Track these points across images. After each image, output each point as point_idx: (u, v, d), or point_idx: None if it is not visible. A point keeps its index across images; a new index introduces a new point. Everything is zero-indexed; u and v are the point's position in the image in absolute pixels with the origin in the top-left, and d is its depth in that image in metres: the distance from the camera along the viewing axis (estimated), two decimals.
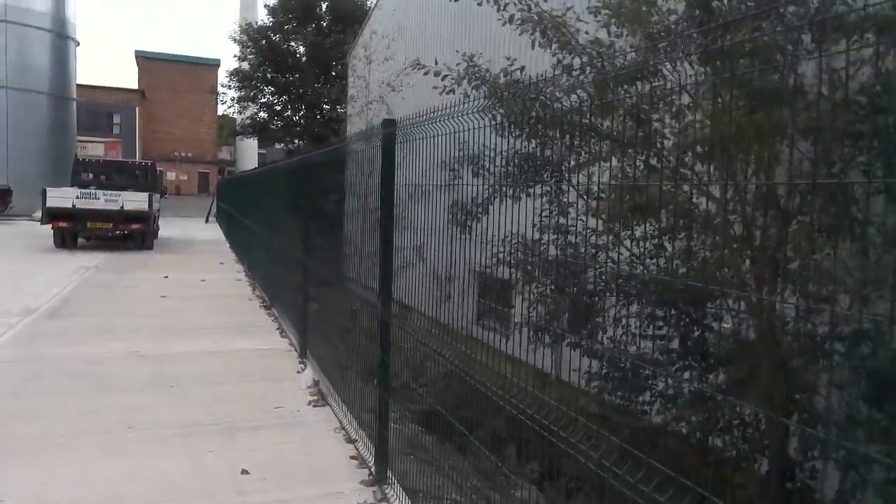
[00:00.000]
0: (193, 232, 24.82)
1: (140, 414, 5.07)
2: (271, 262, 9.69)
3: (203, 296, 10.81)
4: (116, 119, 53.91)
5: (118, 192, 16.82)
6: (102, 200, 16.52)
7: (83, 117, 51.45)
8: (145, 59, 57.02)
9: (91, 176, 19.53)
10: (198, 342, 7.52)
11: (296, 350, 7.21)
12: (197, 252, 18.17)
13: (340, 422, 5.00)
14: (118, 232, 17.01)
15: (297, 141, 39.79)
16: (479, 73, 6.39)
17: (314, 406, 5.41)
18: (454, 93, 6.12)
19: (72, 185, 17.90)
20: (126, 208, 16.61)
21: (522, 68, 6.37)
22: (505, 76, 6.46)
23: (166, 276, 12.69)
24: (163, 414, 5.11)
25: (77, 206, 16.29)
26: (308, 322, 6.86)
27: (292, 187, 7.58)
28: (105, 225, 16.69)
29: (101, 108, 52.59)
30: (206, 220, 31.81)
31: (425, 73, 6.56)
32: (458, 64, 6.53)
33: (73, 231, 16.93)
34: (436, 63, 6.56)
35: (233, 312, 9.47)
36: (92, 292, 10.65)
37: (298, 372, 6.43)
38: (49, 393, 5.52)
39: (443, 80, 6.44)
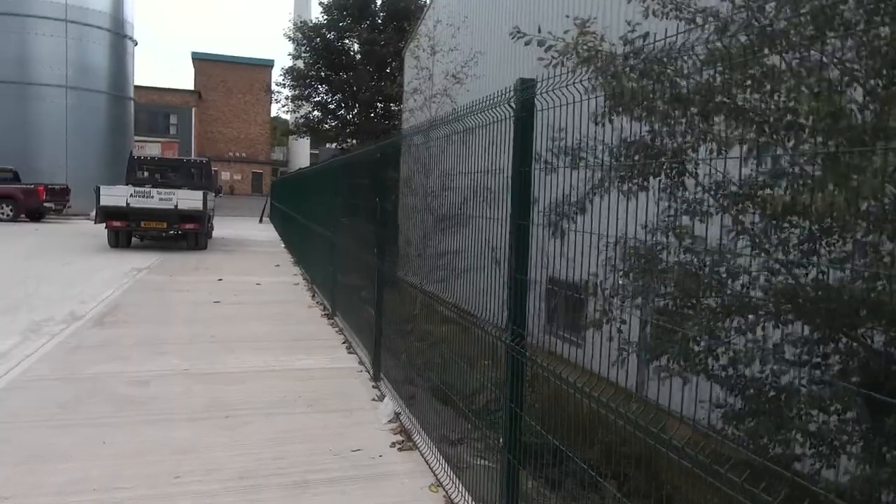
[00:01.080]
0: (247, 232, 24.29)
1: (189, 458, 4.12)
2: (334, 266, 8.74)
3: (259, 301, 9.94)
4: (173, 120, 54.51)
5: (172, 191, 16.23)
6: (156, 199, 15.94)
7: (142, 118, 52.27)
8: (201, 61, 57.49)
9: (146, 174, 19.09)
10: (255, 357, 6.59)
11: (367, 371, 6.21)
12: (251, 253, 17.48)
13: (436, 474, 3.95)
14: (172, 231, 16.44)
15: (350, 140, 39.27)
16: (590, 44, 5.29)
17: (399, 450, 4.36)
18: (563, 65, 5.05)
19: (127, 184, 17.44)
20: (180, 207, 16.00)
21: (646, 35, 5.26)
22: (625, 44, 5.35)
23: (220, 279, 11.92)
24: (217, 457, 4.15)
25: (131, 204, 15.74)
26: (382, 340, 5.84)
27: (364, 181, 6.58)
28: (159, 224, 16.11)
29: (158, 110, 53.32)
30: (260, 220, 31.42)
31: (526, 44, 5.48)
32: (565, 32, 5.44)
33: (126, 230, 16.43)
34: (539, 31, 5.47)
35: (291, 322, 8.54)
36: (142, 297, 9.90)
37: (374, 399, 5.41)
38: (84, 424, 4.63)
39: (547, 51, 5.36)
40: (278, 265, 14.69)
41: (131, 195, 15.77)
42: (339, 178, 8.79)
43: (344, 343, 7.36)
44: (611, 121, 4.35)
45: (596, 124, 4.27)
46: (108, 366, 6.11)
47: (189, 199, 16.07)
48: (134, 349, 6.75)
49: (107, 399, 5.18)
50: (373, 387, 5.77)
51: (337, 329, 8.07)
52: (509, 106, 2.84)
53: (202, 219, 16.37)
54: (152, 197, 15.93)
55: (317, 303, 9.93)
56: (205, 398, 5.28)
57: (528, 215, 2.82)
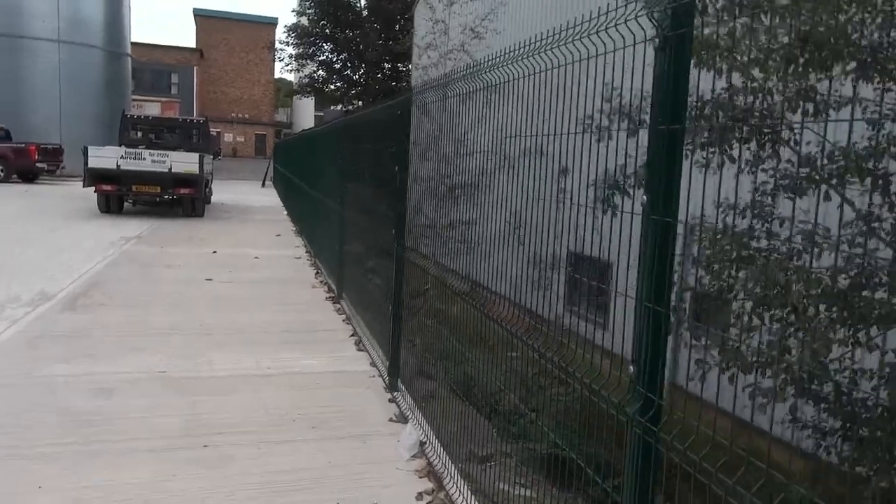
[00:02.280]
0: (248, 197, 23.14)
1: None
2: (340, 242, 7.63)
3: (256, 280, 8.84)
4: (174, 79, 53.08)
5: (166, 153, 15.05)
6: (149, 161, 14.78)
7: (142, 77, 50.87)
8: (203, 17, 55.69)
9: (139, 134, 17.87)
10: (247, 356, 5.52)
11: (381, 377, 5.13)
12: (251, 221, 16.36)
13: None
14: (167, 197, 15.31)
15: (356, 101, 37.84)
16: None
17: None
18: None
19: (119, 145, 16.23)
20: (175, 170, 14.84)
21: None
22: None
23: (215, 252, 10.82)
24: None
25: (121, 167, 14.59)
26: (402, 338, 4.76)
27: (383, 143, 5.42)
28: (152, 189, 14.97)
29: (159, 68, 51.88)
30: (263, 185, 30.25)
31: None
32: None
33: (118, 195, 15.30)
34: None
35: (291, 306, 7.44)
36: (126, 272, 8.82)
37: (393, 420, 4.34)
38: (16, 455, 3.57)
39: None
40: (279, 235, 13.57)
41: (122, 157, 14.60)
42: (346, 140, 7.61)
43: (352, 336, 6.27)
44: None
45: None
46: (70, 366, 5.04)
47: (184, 162, 14.90)
48: (104, 342, 5.68)
49: (57, 415, 4.11)
50: (389, 400, 4.70)
51: (344, 317, 6.97)
52: (651, 20, 1.66)
53: (198, 183, 15.22)
54: (144, 159, 14.77)
55: (321, 282, 8.83)
56: (180, 416, 4.21)
57: (675, 207, 1.68)
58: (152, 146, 16.33)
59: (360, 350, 5.87)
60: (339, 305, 7.47)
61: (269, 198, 23.55)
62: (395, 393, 4.75)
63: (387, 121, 5.25)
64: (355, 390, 4.92)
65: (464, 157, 4.01)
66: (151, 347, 5.58)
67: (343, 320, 6.88)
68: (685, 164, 1.80)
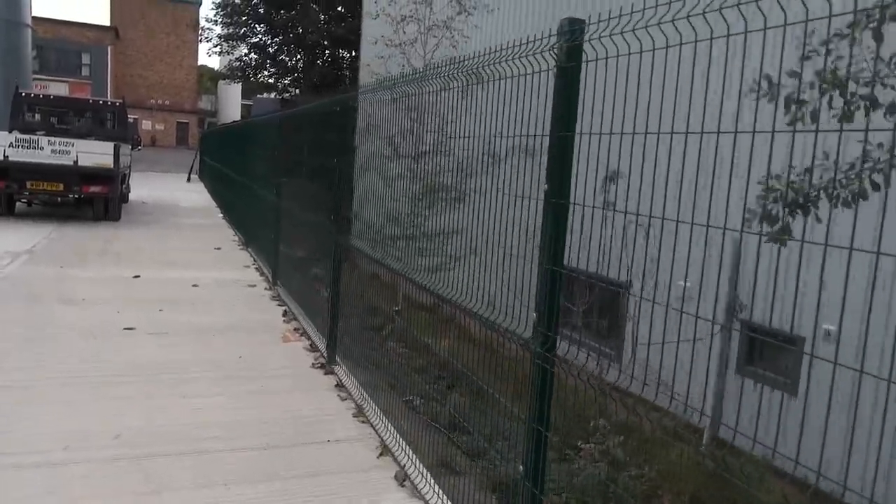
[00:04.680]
0: (174, 194, 19.96)
1: None
2: (334, 274, 5.13)
3: (200, 328, 6.15)
4: (85, 59, 48.53)
5: (71, 141, 11.98)
6: (48, 151, 11.70)
7: (47, 56, 46.01)
8: None
9: (38, 117, 14.57)
10: None
11: None
12: (181, 226, 13.39)
13: None
14: (71, 196, 12.22)
15: (293, 90, 34.77)
16: None
17: None
18: None
19: (10, 130, 12.93)
20: (81, 163, 11.82)
21: None
22: None
23: (137, 276, 8.04)
24: None
25: (11, 157, 11.49)
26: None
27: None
28: (52, 186, 11.87)
29: (68, 47, 47.19)
30: (188, 179, 26.86)
31: None
32: None
33: (7, 193, 12.10)
34: None
35: (263, 386, 4.81)
36: (1, 315, 6.00)
37: None
38: None
39: None
40: (219, 248, 10.78)
41: (11, 145, 11.48)
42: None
43: (378, 449, 3.81)
44: None
45: None
46: None
47: (94, 153, 11.89)
48: None
49: None
50: None
51: (351, 406, 4.47)
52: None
53: (113, 180, 12.21)
54: (42, 148, 11.68)
55: (294, 329, 6.26)
56: None
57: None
58: (55, 133, 13.13)
59: (401, 485, 3.41)
60: (333, 374, 4.97)
61: (198, 195, 20.43)
62: None
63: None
64: None
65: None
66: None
67: (354, 414, 4.37)
68: None
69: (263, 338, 5.94)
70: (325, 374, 5.01)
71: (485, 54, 2.69)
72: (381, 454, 3.72)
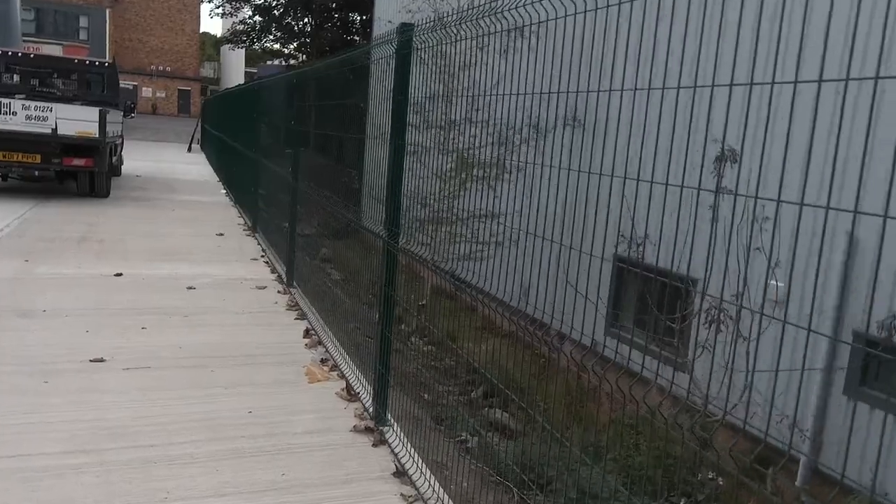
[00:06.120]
0: (173, 166, 18.30)
1: None
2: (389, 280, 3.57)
3: (193, 357, 4.53)
4: (83, 22, 46.73)
5: (49, 105, 10.31)
6: (22, 117, 10.06)
7: (44, 20, 44.11)
8: None
9: (16, 79, 12.84)
10: None
11: None
12: (178, 204, 11.74)
13: None
14: (50, 170, 10.60)
15: (300, 55, 32.86)
16: None
17: None
18: None
19: None
20: (62, 132, 10.17)
21: None
22: None
23: (119, 274, 6.45)
24: None
25: None
26: None
27: None
28: (28, 158, 10.25)
29: (65, 10, 45.33)
30: (189, 149, 25.18)
31: None
32: None
33: None
34: None
35: (279, 464, 3.27)
36: None
37: None
38: None
39: None
40: (222, 234, 9.17)
41: None
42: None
43: None
44: None
45: None
46: None
47: (76, 120, 10.23)
48: None
49: None
50: None
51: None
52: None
53: (99, 151, 10.56)
54: (14, 114, 10.02)
55: (321, 361, 4.66)
56: None
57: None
58: (35, 96, 11.44)
59: None
60: (387, 451, 3.38)
61: (198, 167, 18.77)
62: None
63: None
64: None
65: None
66: None
67: None
68: None
69: (281, 374, 4.34)
70: (375, 444, 3.42)
71: None
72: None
